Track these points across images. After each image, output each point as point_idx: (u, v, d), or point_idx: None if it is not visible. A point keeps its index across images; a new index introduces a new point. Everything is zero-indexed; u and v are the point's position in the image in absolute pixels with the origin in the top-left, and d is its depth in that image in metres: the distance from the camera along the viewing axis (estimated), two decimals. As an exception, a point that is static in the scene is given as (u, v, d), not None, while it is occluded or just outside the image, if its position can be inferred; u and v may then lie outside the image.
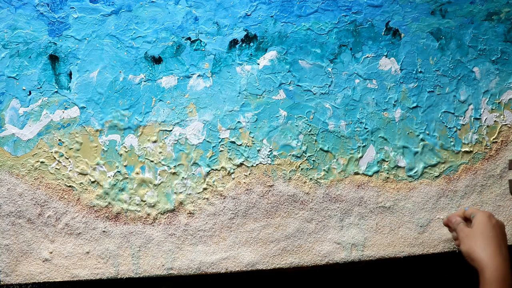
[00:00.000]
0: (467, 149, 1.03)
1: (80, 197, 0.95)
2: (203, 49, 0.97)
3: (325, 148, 1.00)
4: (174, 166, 0.96)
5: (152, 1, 0.96)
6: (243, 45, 0.98)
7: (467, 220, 0.90)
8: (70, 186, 0.94)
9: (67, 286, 0.97)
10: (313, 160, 0.99)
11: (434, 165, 1.02)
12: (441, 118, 1.02)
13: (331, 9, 1.00)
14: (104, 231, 0.95)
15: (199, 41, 0.97)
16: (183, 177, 0.96)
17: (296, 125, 0.99)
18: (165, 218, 0.96)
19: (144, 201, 0.96)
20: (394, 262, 1.02)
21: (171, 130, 0.96)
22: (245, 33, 0.98)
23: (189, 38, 0.97)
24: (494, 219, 0.85)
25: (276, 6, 0.98)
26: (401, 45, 1.01)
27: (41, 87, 0.94)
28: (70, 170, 0.94)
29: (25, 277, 0.93)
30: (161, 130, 0.96)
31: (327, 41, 1.00)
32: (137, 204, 0.96)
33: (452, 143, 1.03)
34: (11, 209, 0.93)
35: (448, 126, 1.03)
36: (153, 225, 0.96)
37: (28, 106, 0.94)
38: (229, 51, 0.98)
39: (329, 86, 1.00)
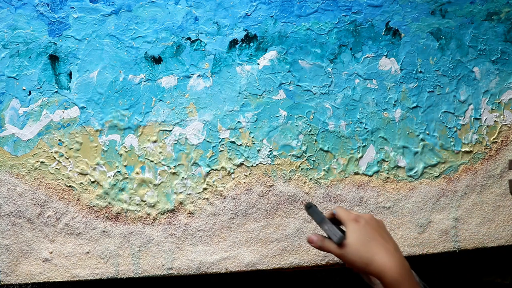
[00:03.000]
0: (467, 149, 1.03)
1: (80, 197, 0.95)
2: (203, 49, 0.97)
3: (325, 148, 0.99)
4: (174, 166, 0.96)
5: (152, 1, 0.96)
6: (243, 45, 0.98)
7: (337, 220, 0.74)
8: (70, 186, 0.94)
9: (67, 286, 0.97)
10: (313, 160, 0.99)
11: (434, 165, 1.02)
12: (441, 118, 1.02)
13: (331, 9, 1.00)
14: (104, 231, 0.95)
15: (199, 41, 0.97)
16: (183, 177, 0.96)
17: (296, 125, 0.99)
18: (165, 218, 0.96)
19: (144, 201, 0.96)
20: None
21: (171, 130, 0.96)
22: (245, 33, 0.98)
23: (189, 38, 0.97)
24: (365, 220, 0.70)
25: (276, 6, 0.98)
26: (401, 45, 1.01)
27: (41, 87, 0.94)
28: (70, 170, 0.94)
29: (25, 277, 0.93)
30: (161, 130, 0.96)
31: (327, 41, 1.00)
32: (137, 204, 0.96)
33: (452, 143, 1.03)
34: (11, 209, 0.93)
35: (448, 126, 1.03)
36: (153, 225, 0.96)
37: (28, 106, 0.94)
38: (229, 51, 0.98)
39: (329, 86, 1.00)
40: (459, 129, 1.03)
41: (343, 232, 0.69)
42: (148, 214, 0.96)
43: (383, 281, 0.66)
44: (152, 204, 0.96)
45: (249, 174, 0.98)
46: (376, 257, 0.66)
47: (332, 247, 0.70)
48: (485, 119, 1.04)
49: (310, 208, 0.73)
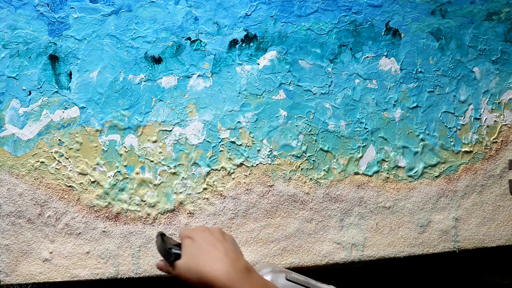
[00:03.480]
0: (467, 149, 1.03)
1: (80, 197, 0.95)
2: (203, 49, 0.97)
3: (325, 148, 1.00)
4: (174, 166, 0.96)
5: (152, 1, 0.96)
6: (243, 45, 0.98)
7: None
8: (70, 186, 0.94)
9: (67, 286, 0.97)
10: (313, 160, 0.99)
11: (434, 165, 1.02)
12: (441, 118, 1.02)
13: (331, 9, 1.00)
14: (104, 231, 0.95)
15: (199, 41, 0.97)
16: (183, 177, 0.96)
17: (296, 125, 0.99)
18: (165, 218, 0.96)
19: (144, 201, 0.96)
20: (394, 262, 1.02)
21: (171, 130, 0.96)
22: (245, 33, 0.98)
23: (189, 38, 0.97)
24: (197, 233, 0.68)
25: (276, 6, 0.98)
26: (401, 45, 1.01)
27: (41, 87, 0.94)
28: (70, 170, 0.94)
29: (25, 277, 0.93)
30: (161, 130, 0.96)
31: (327, 41, 1.00)
32: (137, 204, 0.96)
33: (452, 143, 1.03)
34: (11, 209, 0.93)
35: (448, 126, 1.03)
36: (153, 225, 0.96)
37: (28, 106, 0.94)
38: (229, 51, 0.98)
39: (329, 86, 1.00)
40: (459, 129, 1.03)
41: (179, 253, 0.68)
42: (148, 214, 0.96)
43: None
44: (152, 204, 0.96)
45: (249, 174, 0.98)
46: (204, 268, 0.64)
47: (170, 269, 0.69)
48: (485, 119, 1.04)
49: (157, 237, 0.72)
